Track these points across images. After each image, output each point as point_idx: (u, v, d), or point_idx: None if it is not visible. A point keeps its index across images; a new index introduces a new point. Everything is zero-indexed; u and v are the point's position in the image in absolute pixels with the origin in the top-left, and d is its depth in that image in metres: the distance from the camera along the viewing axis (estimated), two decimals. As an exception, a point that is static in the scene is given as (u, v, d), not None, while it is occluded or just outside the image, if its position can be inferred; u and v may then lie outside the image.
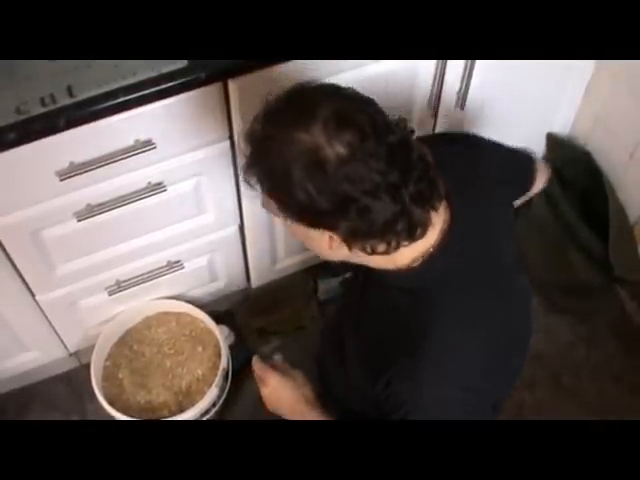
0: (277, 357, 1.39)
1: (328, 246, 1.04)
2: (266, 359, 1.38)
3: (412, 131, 1.06)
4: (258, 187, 1.03)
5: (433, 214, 1.03)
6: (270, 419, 1.24)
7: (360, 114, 0.96)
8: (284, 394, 1.32)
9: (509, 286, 1.17)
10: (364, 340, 1.20)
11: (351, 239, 1.01)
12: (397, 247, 1.03)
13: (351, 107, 0.97)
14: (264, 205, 1.06)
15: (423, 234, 1.03)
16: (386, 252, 1.03)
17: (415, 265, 1.08)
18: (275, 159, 0.97)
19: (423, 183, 0.98)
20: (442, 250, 1.08)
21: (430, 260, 1.08)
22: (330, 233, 1.01)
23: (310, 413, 1.29)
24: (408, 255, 1.07)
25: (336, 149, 0.93)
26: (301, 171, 0.94)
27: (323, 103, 0.96)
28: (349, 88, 1.01)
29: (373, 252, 1.03)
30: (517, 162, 1.37)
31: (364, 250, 1.03)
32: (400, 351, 1.08)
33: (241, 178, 1.06)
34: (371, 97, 1.01)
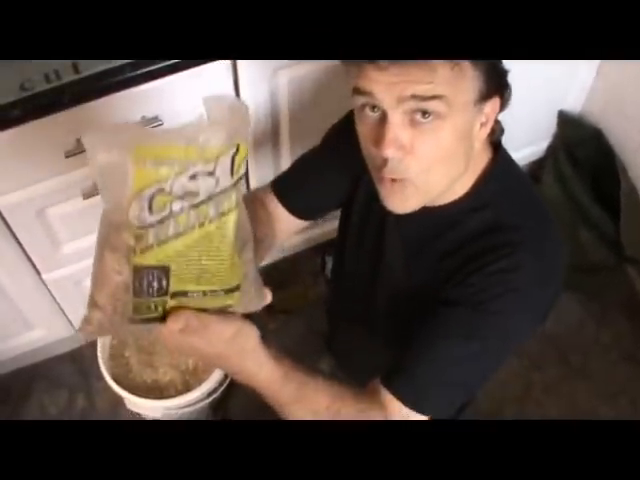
0: None
1: (474, 139, 1.00)
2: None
3: None
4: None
5: None
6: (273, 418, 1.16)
7: None
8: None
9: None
10: (426, 277, 1.13)
11: (503, 103, 1.01)
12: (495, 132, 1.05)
13: None
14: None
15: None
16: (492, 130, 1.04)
17: (476, 185, 1.07)
18: None
19: None
20: (499, 167, 1.08)
21: (490, 173, 1.07)
22: (495, 99, 0.99)
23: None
24: (468, 181, 1.07)
25: None
26: None
27: None
28: None
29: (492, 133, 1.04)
30: None
31: (493, 131, 1.04)
32: (490, 249, 1.03)
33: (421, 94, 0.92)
34: None
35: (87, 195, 1.44)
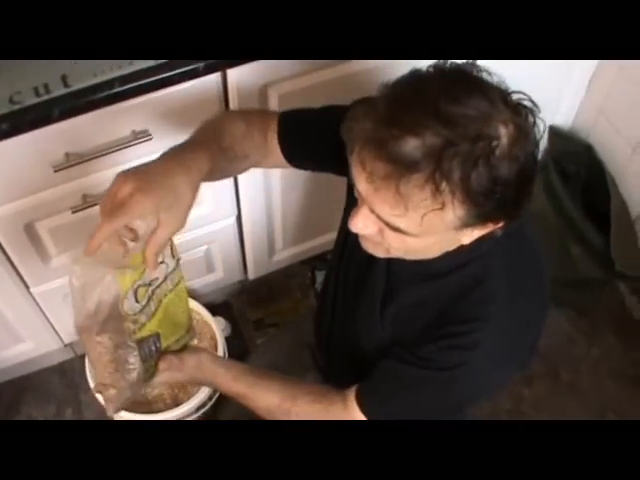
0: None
1: (461, 238, 0.96)
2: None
3: None
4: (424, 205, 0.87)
5: None
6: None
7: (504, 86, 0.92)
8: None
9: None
10: (397, 321, 1.16)
11: (514, 218, 0.95)
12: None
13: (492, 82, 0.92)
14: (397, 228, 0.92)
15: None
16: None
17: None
18: (480, 162, 0.84)
19: None
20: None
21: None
22: (494, 224, 0.94)
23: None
24: None
25: (525, 126, 0.88)
26: (509, 159, 0.86)
27: (483, 82, 0.90)
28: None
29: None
30: None
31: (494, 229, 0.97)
32: (458, 319, 1.05)
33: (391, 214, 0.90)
34: None
35: (76, 209, 1.44)
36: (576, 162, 2.12)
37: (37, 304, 1.69)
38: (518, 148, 0.86)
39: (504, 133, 0.85)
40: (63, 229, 1.51)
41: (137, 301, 0.98)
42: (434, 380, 1.08)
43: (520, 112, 0.89)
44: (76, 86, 1.24)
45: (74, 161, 1.34)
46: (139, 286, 0.97)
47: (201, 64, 1.29)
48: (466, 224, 0.91)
